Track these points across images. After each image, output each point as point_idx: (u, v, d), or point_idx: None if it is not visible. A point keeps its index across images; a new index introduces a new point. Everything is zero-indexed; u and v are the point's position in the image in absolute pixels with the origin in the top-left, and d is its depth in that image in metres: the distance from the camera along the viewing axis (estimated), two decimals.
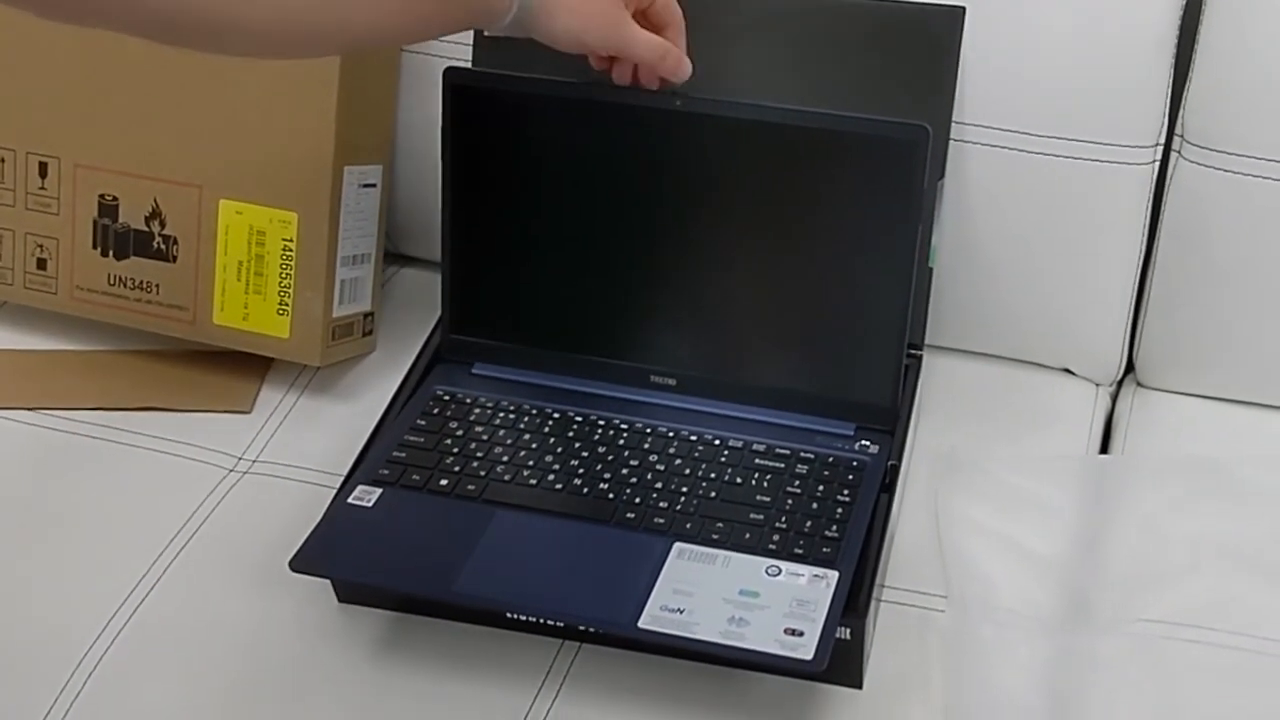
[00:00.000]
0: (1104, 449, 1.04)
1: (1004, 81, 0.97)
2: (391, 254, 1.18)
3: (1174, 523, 0.94)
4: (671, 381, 0.97)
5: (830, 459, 0.91)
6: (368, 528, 0.87)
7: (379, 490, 0.90)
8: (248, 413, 1.04)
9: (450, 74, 0.95)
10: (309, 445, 1.01)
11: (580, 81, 0.94)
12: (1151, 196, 0.99)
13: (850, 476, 0.90)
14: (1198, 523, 0.94)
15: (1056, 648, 0.87)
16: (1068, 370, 1.07)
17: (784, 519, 0.87)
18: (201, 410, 1.04)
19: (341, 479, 0.92)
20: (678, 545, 0.85)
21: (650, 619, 0.80)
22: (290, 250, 1.02)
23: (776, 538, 0.86)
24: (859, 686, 0.85)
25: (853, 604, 0.82)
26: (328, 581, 0.89)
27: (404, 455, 0.92)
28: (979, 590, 0.89)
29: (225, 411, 1.04)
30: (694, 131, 0.92)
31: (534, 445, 0.93)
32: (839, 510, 0.87)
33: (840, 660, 0.82)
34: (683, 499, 0.88)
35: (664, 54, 0.87)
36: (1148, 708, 0.83)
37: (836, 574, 0.83)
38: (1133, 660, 0.86)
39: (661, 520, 0.87)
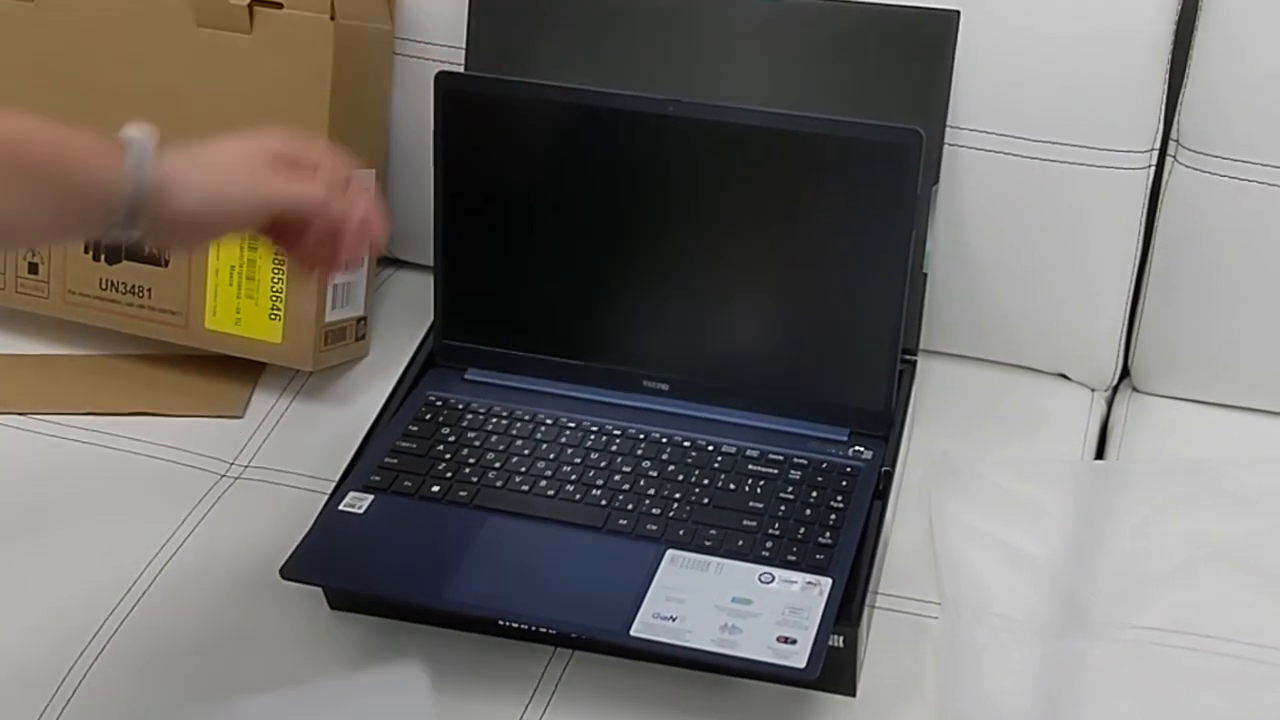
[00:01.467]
0: (1099, 454, 1.03)
1: (998, 86, 0.97)
2: (385, 259, 1.18)
3: (1168, 528, 0.94)
4: (664, 387, 0.97)
5: (824, 464, 0.91)
6: (359, 534, 0.87)
7: (370, 497, 0.89)
8: (239, 418, 1.03)
9: (442, 78, 0.95)
10: (301, 451, 1.00)
11: (573, 86, 0.94)
12: (1147, 201, 0.99)
13: (844, 482, 0.90)
14: (1192, 527, 0.94)
15: (1050, 652, 0.86)
16: (1063, 375, 1.07)
17: (777, 525, 0.86)
18: (193, 415, 1.03)
19: (333, 485, 0.91)
20: (670, 552, 0.85)
21: (642, 626, 0.80)
22: (283, 255, 1.01)
23: (770, 544, 0.85)
24: (853, 694, 0.84)
25: (846, 611, 0.82)
26: (319, 589, 0.88)
27: (396, 461, 0.92)
28: (973, 595, 0.89)
29: (217, 416, 1.03)
30: (687, 136, 0.92)
31: (526, 451, 0.92)
32: (832, 516, 0.87)
33: (834, 668, 0.82)
34: (675, 505, 0.88)
35: (333, 197, 0.74)
36: (1140, 713, 0.83)
37: (830, 581, 0.83)
38: (1126, 665, 0.85)
39: (654, 527, 0.87)
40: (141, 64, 1.02)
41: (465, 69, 1.02)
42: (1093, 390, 1.06)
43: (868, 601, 0.85)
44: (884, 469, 0.91)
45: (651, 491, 0.89)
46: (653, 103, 0.92)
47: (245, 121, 1.00)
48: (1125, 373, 1.07)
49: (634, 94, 0.93)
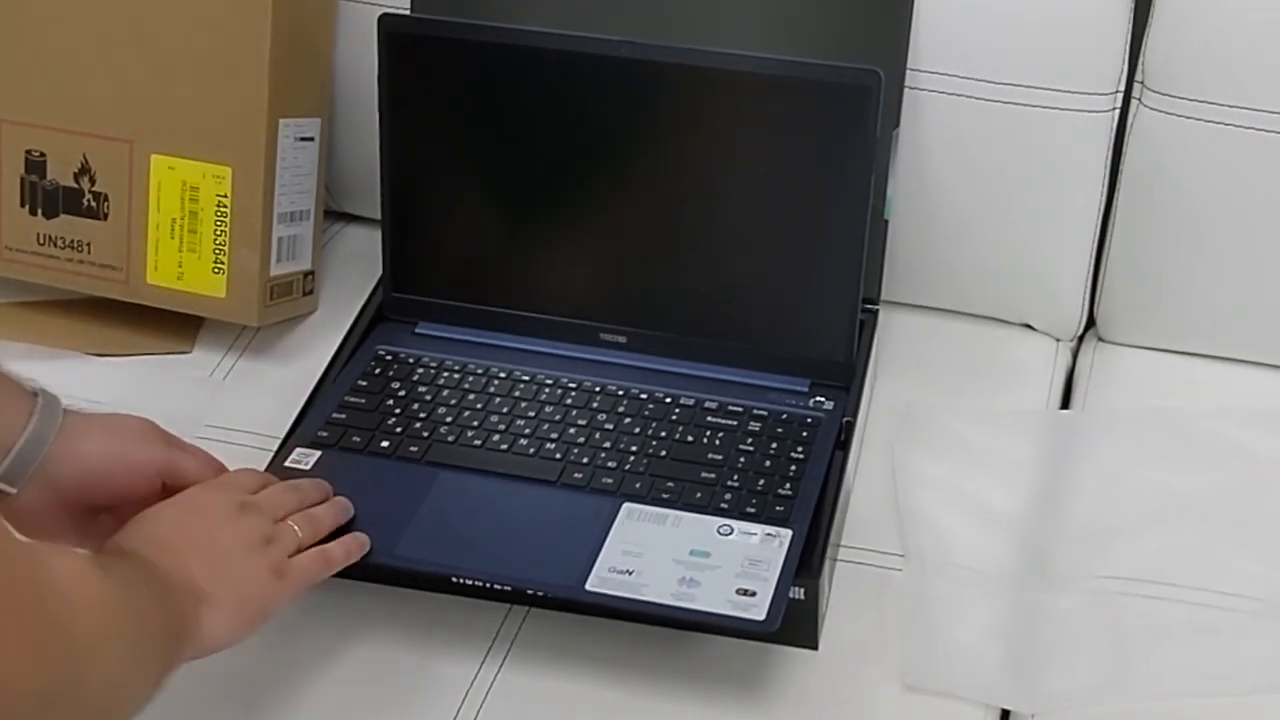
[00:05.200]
0: (1065, 405, 1.02)
1: (960, 26, 0.95)
2: (335, 212, 1.15)
3: (1133, 477, 0.93)
4: (621, 339, 0.95)
5: (784, 416, 0.89)
6: None
7: (318, 453, 0.87)
8: (188, 353, 1.01)
9: (386, 21, 0.92)
10: (247, 408, 0.98)
11: (522, 29, 0.91)
12: (1111, 145, 0.97)
13: (804, 434, 0.88)
14: (1157, 477, 0.93)
15: (1014, 604, 0.85)
16: (1027, 325, 1.06)
17: (736, 477, 0.85)
18: (140, 354, 1.01)
19: (280, 441, 0.89)
20: (626, 505, 0.83)
21: (598, 581, 0.78)
22: (225, 206, 0.99)
23: (729, 496, 0.83)
24: (814, 647, 0.83)
25: (807, 563, 0.80)
26: None
27: (344, 416, 0.89)
28: (936, 546, 0.88)
29: (166, 354, 1.01)
30: (640, 79, 0.90)
31: (479, 405, 0.90)
32: (792, 468, 0.85)
33: (794, 621, 0.80)
34: (632, 458, 0.86)
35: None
36: (1105, 663, 0.82)
37: (790, 533, 0.81)
38: (1090, 616, 0.84)
39: (610, 480, 0.85)
40: (80, 8, 0.99)
41: (411, 11, 0.99)
42: (1058, 340, 1.05)
43: (829, 554, 0.83)
44: (845, 420, 0.89)
45: (607, 445, 0.87)
46: (606, 44, 0.90)
47: (184, 67, 0.98)
48: (1091, 322, 1.06)
49: (586, 35, 0.90)
